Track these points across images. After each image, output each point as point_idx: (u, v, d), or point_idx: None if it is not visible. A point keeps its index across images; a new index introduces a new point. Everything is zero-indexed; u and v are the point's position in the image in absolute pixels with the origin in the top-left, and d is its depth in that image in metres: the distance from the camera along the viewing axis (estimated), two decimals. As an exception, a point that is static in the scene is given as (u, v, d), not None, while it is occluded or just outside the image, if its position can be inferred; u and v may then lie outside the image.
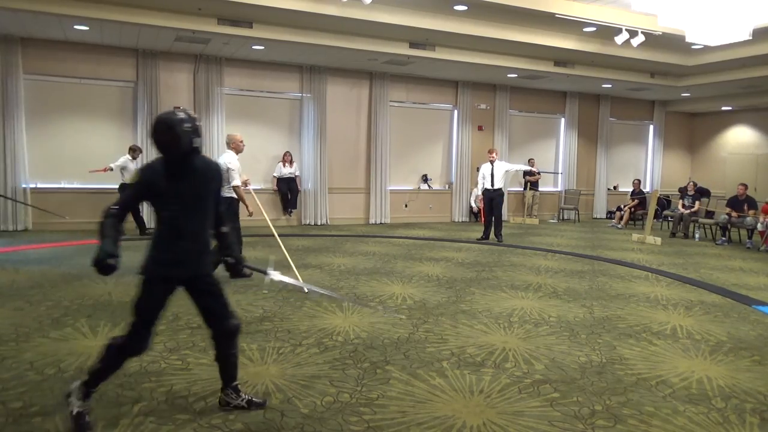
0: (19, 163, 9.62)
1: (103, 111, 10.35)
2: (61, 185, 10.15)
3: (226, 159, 6.09)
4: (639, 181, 13.87)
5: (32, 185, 9.88)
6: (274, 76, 11.45)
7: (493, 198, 9.78)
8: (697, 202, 11.42)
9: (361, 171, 12.38)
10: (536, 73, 11.76)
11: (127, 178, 9.54)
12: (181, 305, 5.13)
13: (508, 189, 13.49)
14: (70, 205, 10.11)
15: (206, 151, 10.35)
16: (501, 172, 9.77)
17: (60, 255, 7.51)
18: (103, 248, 2.57)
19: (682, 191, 12.20)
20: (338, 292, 5.84)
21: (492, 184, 9.74)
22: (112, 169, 9.59)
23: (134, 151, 9.74)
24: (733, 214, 10.35)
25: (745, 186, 10.71)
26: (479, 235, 10.20)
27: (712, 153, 16.22)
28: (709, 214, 11.43)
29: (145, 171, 2.77)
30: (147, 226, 9.69)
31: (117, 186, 9.22)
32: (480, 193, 10.23)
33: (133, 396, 3.19)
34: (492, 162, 9.79)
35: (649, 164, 16.16)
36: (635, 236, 10.68)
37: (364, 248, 8.80)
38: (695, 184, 11.90)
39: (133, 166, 9.70)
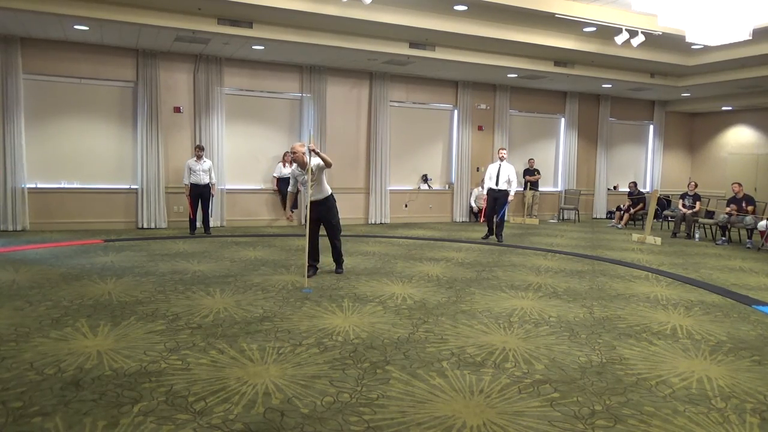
0: (18, 163, 9.61)
1: (103, 111, 10.34)
2: (61, 185, 10.14)
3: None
4: (635, 183, 13.84)
5: (32, 185, 9.88)
6: (274, 76, 11.45)
7: (497, 198, 9.82)
8: (697, 202, 11.44)
9: (361, 171, 12.37)
10: (536, 73, 11.76)
11: (195, 179, 9.87)
12: (181, 305, 5.14)
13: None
14: (70, 205, 10.13)
15: (206, 152, 10.43)
16: (505, 176, 9.79)
17: (60, 255, 7.51)
18: None
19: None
20: (338, 292, 5.84)
21: (497, 184, 9.77)
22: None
23: (201, 150, 10.05)
24: (734, 211, 10.35)
25: (740, 184, 10.71)
26: (480, 235, 10.21)
27: (712, 153, 16.22)
28: (709, 214, 11.44)
29: None
30: (196, 226, 10.16)
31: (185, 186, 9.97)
32: (485, 192, 10.18)
33: (133, 396, 3.18)
34: (501, 160, 9.83)
35: (649, 164, 16.16)
36: (635, 236, 10.68)
37: (364, 248, 8.80)
38: (696, 185, 11.90)
39: (199, 166, 9.90)
